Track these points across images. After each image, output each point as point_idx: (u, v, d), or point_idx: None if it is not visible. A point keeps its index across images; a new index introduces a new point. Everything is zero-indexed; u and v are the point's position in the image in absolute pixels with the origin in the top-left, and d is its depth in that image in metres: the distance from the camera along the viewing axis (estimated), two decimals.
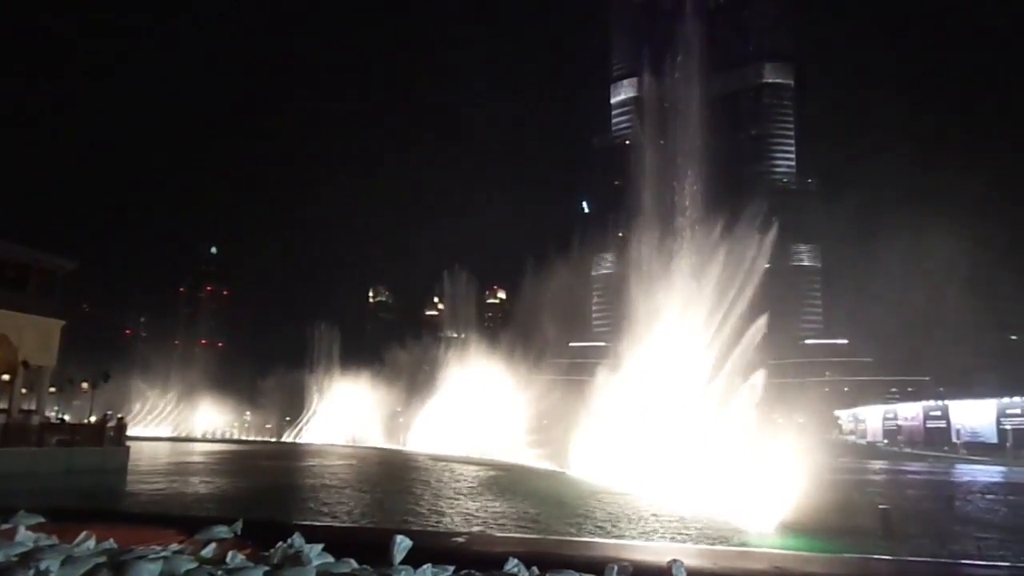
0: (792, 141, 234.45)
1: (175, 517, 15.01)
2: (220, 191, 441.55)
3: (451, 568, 9.21)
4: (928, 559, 15.68)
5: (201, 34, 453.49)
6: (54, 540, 9.94)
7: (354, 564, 9.65)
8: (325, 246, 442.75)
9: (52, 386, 51.87)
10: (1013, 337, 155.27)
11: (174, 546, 9.82)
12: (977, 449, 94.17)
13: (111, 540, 9.86)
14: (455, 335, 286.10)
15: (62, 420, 51.83)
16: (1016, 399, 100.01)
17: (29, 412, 47.04)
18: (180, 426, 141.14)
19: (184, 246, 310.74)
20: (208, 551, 9.47)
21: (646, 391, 65.33)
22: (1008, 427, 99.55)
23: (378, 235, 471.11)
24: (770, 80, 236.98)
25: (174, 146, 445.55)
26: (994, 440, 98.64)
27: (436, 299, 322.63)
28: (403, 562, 9.66)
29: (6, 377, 47.15)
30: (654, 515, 25.38)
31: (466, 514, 26.30)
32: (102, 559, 8.71)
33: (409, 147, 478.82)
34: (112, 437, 47.74)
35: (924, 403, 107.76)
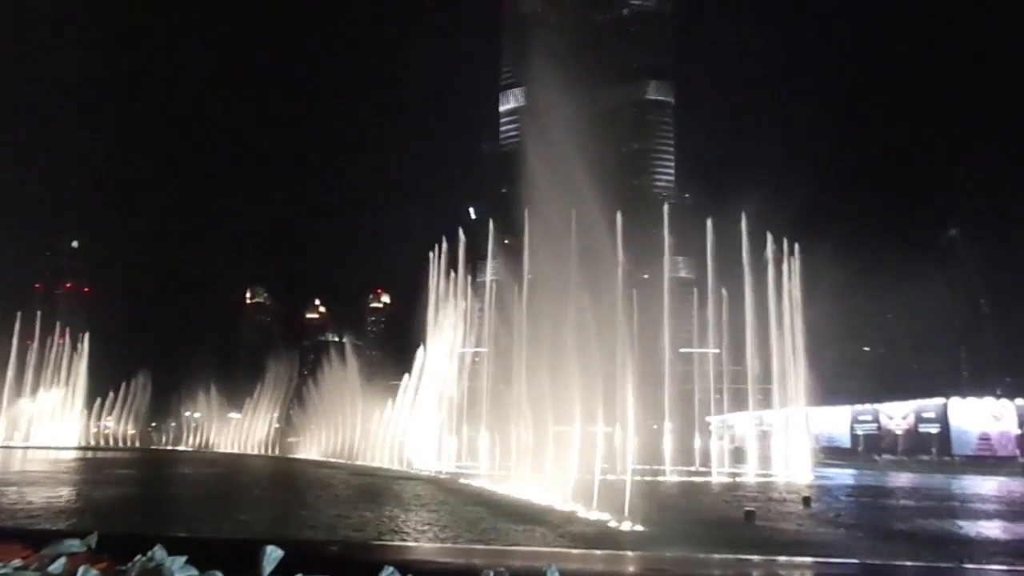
0: (672, 156, 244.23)
1: (20, 531, 13.86)
2: (82, 178, 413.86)
3: None
4: (791, 558, 16.54)
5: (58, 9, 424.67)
6: None
7: None
8: (198, 243, 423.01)
9: None
10: (866, 348, 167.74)
11: (16, 562, 8.97)
12: (833, 453, 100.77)
13: None
14: (337, 339, 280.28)
15: None
16: (867, 406, 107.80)
17: None
18: (30, 433, 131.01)
19: (42, 239, 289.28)
20: (57, 567, 8.71)
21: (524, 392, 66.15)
22: (860, 432, 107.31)
23: (259, 235, 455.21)
24: (652, 97, 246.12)
25: (29, 130, 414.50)
26: (848, 445, 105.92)
27: (318, 301, 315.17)
28: (274, 573, 9.24)
29: None
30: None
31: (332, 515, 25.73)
32: None
33: (296, 148, 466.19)
34: None
35: (787, 410, 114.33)
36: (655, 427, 67.06)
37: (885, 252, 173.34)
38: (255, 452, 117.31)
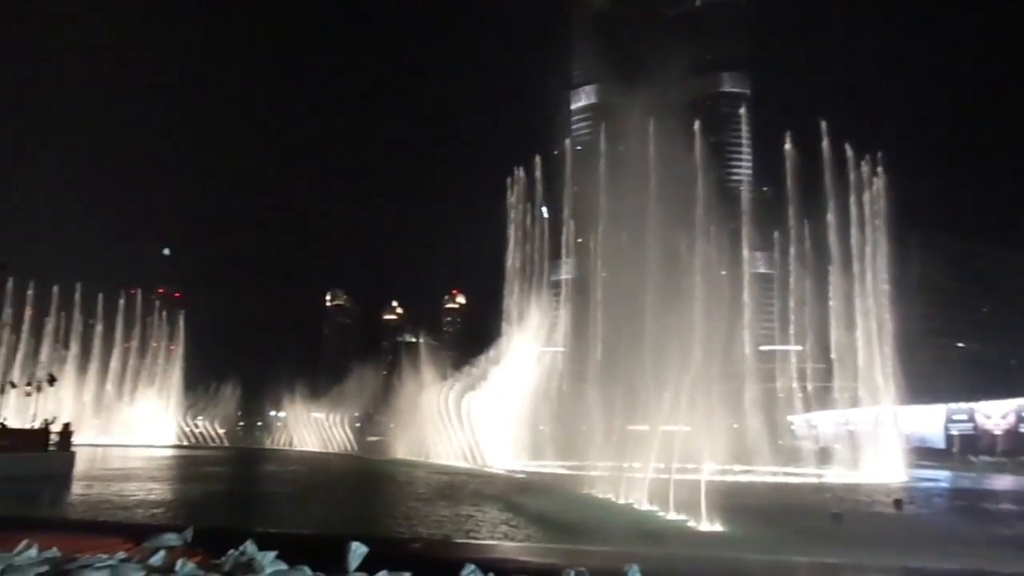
0: (748, 149, 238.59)
1: (122, 525, 14.62)
2: (173, 190, 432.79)
3: (407, 574, 9.07)
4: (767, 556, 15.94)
5: (149, 19, 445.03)
6: None
7: (308, 571, 9.45)
8: (281, 248, 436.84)
9: None
10: (961, 344, 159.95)
11: (120, 554, 9.47)
12: (925, 454, 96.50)
13: (54, 548, 9.52)
14: (413, 339, 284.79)
15: (3, 426, 50.21)
16: (962, 405, 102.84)
17: None
18: (126, 431, 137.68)
19: (136, 247, 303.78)
20: (156, 559, 9.16)
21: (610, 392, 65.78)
22: (955, 432, 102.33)
23: (339, 239, 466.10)
24: (727, 89, 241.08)
25: (121, 145, 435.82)
26: (942, 446, 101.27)
27: (395, 303, 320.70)
28: (359, 568, 9.49)
29: None
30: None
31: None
32: (44, 568, 8.40)
33: (372, 153, 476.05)
34: (58, 442, 46.46)
35: (876, 408, 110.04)
36: (735, 426, 65.63)
37: (980, 244, 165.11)
38: (336, 451, 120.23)
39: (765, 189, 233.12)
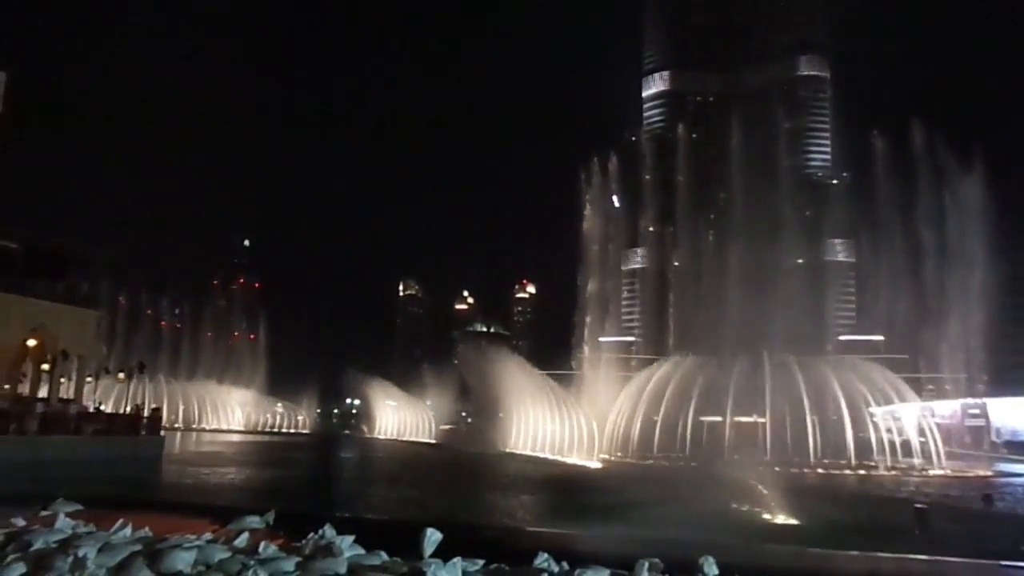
0: (827, 134, 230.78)
1: (208, 507, 15.21)
2: (255, 184, 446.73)
3: (481, 562, 9.17)
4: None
5: (237, 23, 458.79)
6: (91, 527, 10.08)
7: (384, 556, 9.65)
8: (356, 240, 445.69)
9: (89, 376, 52.91)
10: None
11: (207, 535, 9.89)
12: (1017, 448, 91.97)
13: (147, 528, 9.99)
14: (485, 328, 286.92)
15: (99, 410, 52.88)
16: None
17: (67, 401, 48.07)
18: (211, 417, 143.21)
19: (219, 239, 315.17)
20: (241, 541, 9.52)
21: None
22: None
23: (410, 230, 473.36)
24: (805, 72, 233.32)
25: (208, 138, 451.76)
26: None
27: (466, 293, 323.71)
28: (433, 555, 9.65)
29: (45, 367, 48.22)
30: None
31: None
32: (138, 547, 8.83)
33: (441, 141, 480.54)
34: (148, 426, 48.66)
35: (963, 401, 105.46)
36: (813, 419, 63.86)
37: None
38: (410, 439, 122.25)
39: (845, 175, 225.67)
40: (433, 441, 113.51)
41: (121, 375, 67.55)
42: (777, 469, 49.78)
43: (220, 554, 8.48)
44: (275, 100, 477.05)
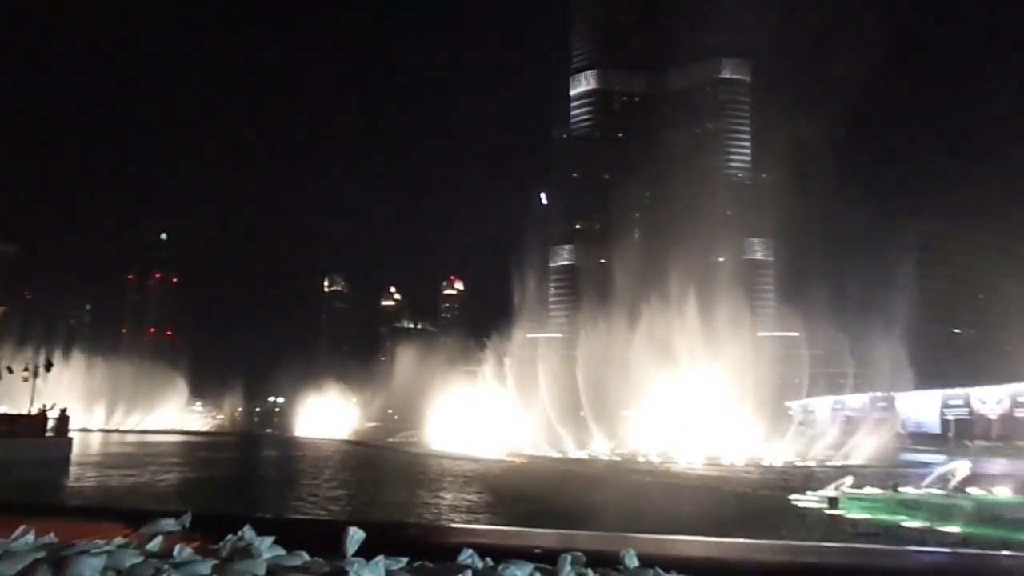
0: (748, 136, 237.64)
1: (119, 510, 14.63)
2: (172, 177, 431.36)
3: (404, 560, 9.06)
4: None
5: (143, 18, 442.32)
6: None
7: (306, 557, 9.40)
8: (280, 234, 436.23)
9: None
10: (956, 331, 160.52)
11: (118, 540, 9.46)
12: (921, 439, 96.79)
13: (51, 534, 9.49)
14: (412, 325, 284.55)
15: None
16: (958, 391, 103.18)
17: None
18: (126, 417, 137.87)
19: (133, 232, 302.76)
20: (154, 545, 9.15)
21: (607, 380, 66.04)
22: (951, 417, 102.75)
23: (336, 224, 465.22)
24: (727, 76, 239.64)
25: (121, 130, 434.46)
26: (937, 431, 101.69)
27: (393, 289, 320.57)
28: (356, 554, 9.45)
29: None
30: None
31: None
32: (41, 554, 8.38)
33: (366, 135, 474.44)
34: (55, 428, 46.53)
35: (872, 394, 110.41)
36: (730, 412, 65.93)
37: (979, 233, 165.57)
38: (334, 437, 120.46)
39: (764, 176, 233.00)
40: (358, 439, 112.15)
41: (26, 374, 64.24)
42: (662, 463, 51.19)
43: (131, 559, 8.14)
44: (192, 88, 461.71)
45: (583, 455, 64.12)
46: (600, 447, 65.82)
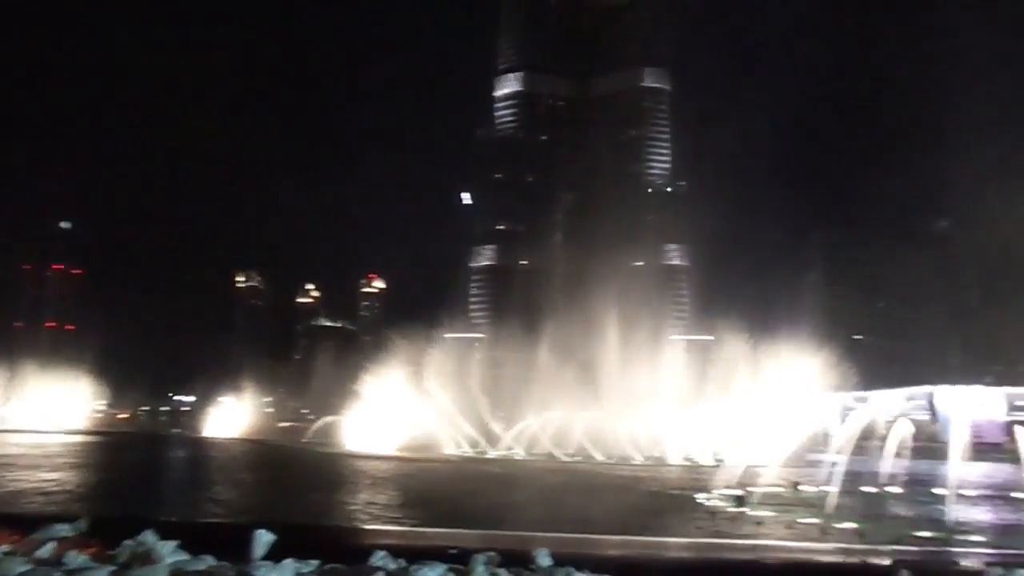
0: (667, 144, 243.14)
1: (9, 515, 13.83)
2: (75, 163, 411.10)
3: (315, 562, 8.92)
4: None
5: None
6: None
7: (212, 561, 9.16)
8: (191, 225, 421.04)
9: None
10: (858, 337, 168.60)
11: (4, 547, 8.98)
12: (825, 442, 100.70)
13: None
14: (329, 323, 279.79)
15: None
16: (858, 394, 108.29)
17: None
18: (23, 416, 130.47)
19: (32, 221, 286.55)
20: (44, 551, 8.72)
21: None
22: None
23: (250, 218, 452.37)
24: (648, 84, 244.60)
25: (17, 113, 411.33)
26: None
27: (310, 286, 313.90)
28: (266, 557, 9.26)
29: None
30: None
31: None
32: None
33: (284, 127, 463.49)
34: None
35: (781, 397, 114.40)
36: (640, 414, 67.23)
37: (877, 242, 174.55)
38: (246, 437, 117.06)
39: (682, 183, 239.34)
40: (271, 439, 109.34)
41: None
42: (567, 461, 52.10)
43: (19, 567, 7.70)
44: (97, 70, 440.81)
45: (500, 455, 64.33)
46: (517, 447, 66.15)
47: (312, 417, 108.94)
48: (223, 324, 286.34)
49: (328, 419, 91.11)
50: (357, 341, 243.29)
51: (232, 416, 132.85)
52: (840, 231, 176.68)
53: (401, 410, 77.95)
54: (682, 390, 71.62)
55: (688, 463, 60.00)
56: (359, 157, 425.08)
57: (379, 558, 8.73)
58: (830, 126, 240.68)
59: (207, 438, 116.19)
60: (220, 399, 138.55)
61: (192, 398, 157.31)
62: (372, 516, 22.28)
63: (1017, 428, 37.52)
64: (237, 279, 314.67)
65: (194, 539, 9.65)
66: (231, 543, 9.54)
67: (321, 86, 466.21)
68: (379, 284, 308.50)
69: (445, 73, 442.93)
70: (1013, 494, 30.68)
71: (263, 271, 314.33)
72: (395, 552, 9.24)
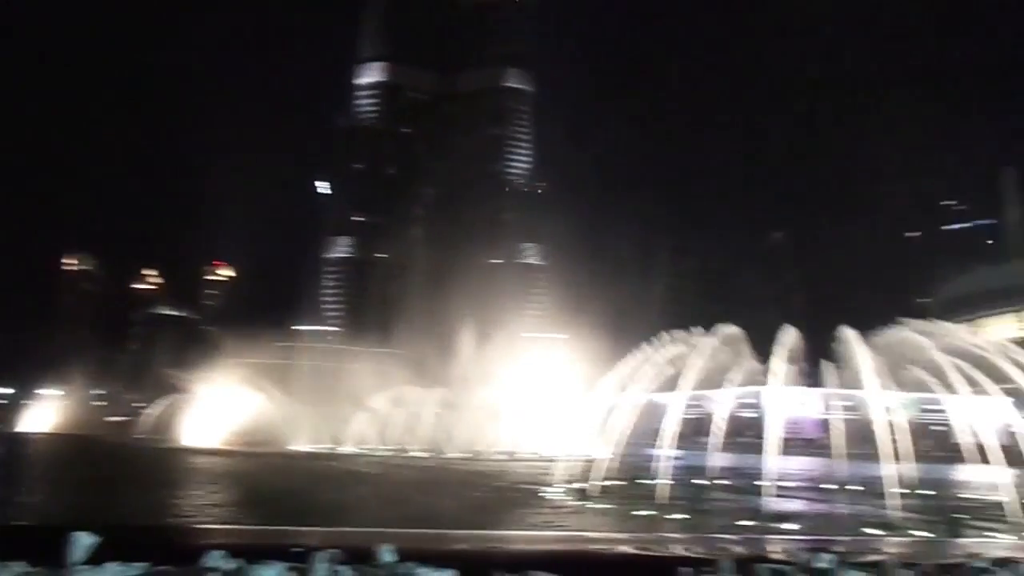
0: (528, 145, 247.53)
1: None
2: None
3: (142, 565, 8.49)
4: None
5: None
6: None
7: (27, 567, 8.53)
8: (13, 201, 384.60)
9: None
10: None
11: None
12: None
13: None
14: (171, 312, 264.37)
15: None
16: (697, 392, 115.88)
17: None
18: None
19: None
20: None
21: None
22: (689, 417, 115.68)
23: (84, 197, 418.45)
24: (511, 84, 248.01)
25: None
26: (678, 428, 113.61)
27: (150, 271, 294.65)
28: (89, 561, 8.71)
29: None
30: None
31: None
32: None
33: (124, 98, 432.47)
34: None
35: (630, 396, 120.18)
36: (492, 410, 68.35)
37: (722, 249, 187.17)
38: (69, 432, 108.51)
39: (541, 184, 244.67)
40: (101, 434, 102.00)
41: None
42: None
43: None
44: None
45: (349, 450, 63.34)
46: (367, 442, 65.37)
47: (148, 411, 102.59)
48: (50, 310, 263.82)
49: (163, 412, 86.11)
50: (200, 331, 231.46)
51: (54, 410, 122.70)
52: (689, 237, 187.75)
53: (244, 404, 75.17)
54: (534, 387, 73.25)
55: (536, 458, 61.59)
56: (208, 136, 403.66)
57: (214, 558, 8.43)
58: (688, 135, 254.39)
59: (22, 434, 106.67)
60: (45, 391, 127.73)
61: (11, 390, 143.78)
62: (208, 515, 21.33)
63: (832, 424, 41.22)
64: (66, 262, 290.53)
65: (5, 544, 8.96)
66: (47, 547, 8.91)
67: (173, 61, 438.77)
68: (226, 272, 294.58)
69: (305, 57, 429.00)
70: (824, 485, 33.74)
71: (97, 254, 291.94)
72: (233, 551, 8.96)
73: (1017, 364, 27.64)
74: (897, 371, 26.46)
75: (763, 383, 27.86)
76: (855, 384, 24.74)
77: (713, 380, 30.20)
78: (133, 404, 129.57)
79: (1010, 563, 8.51)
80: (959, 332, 26.07)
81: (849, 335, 26.00)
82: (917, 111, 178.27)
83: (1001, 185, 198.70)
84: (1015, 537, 19.25)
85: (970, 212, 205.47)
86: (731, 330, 28.77)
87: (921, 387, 27.77)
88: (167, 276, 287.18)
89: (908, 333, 25.92)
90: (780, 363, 26.11)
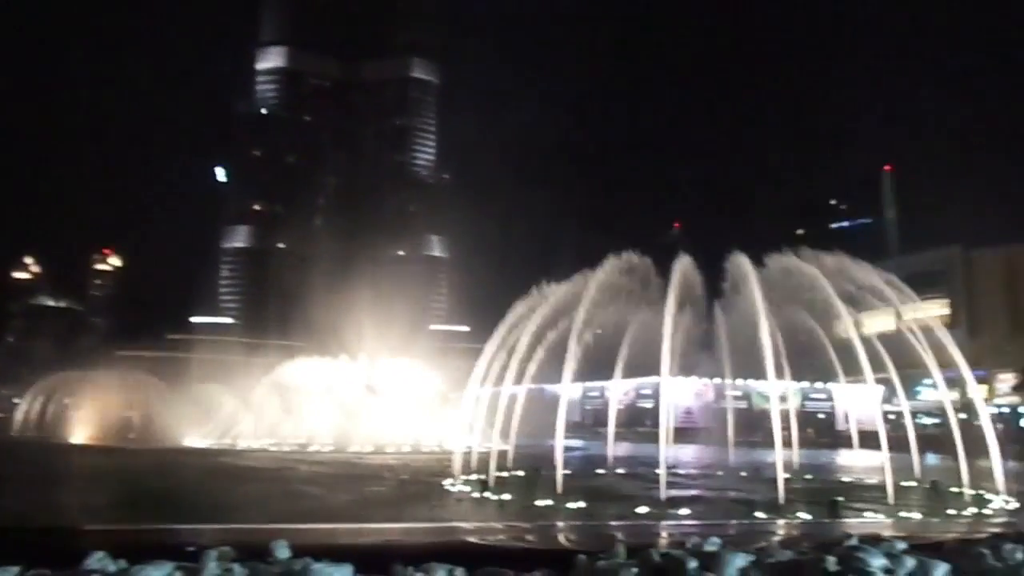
0: (433, 136, 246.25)
1: None
2: None
3: (15, 569, 8.07)
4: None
5: None
6: None
7: None
8: None
9: None
10: (599, 331, 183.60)
11: None
12: (566, 426, 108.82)
13: None
14: (53, 303, 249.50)
15: None
16: (597, 383, 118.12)
17: None
18: None
19: None
20: None
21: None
22: (589, 407, 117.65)
23: None
24: (416, 75, 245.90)
25: None
26: (578, 418, 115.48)
27: (29, 259, 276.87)
28: None
29: None
30: None
31: None
32: None
33: (20, 80, 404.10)
34: None
35: (528, 386, 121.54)
36: (401, 402, 67.86)
37: (605, 245, 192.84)
38: None
39: (445, 176, 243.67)
40: None
41: None
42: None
43: None
44: None
45: (248, 445, 61.47)
46: (267, 437, 63.61)
47: (21, 406, 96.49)
48: None
49: (42, 408, 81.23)
50: (86, 323, 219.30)
51: None
52: (586, 232, 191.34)
53: (133, 398, 71.89)
54: (437, 379, 73.04)
55: (440, 451, 61.54)
56: (97, 122, 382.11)
57: (96, 559, 8.09)
58: (586, 129, 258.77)
59: None
60: None
61: None
62: (91, 515, 20.31)
63: (724, 413, 43.02)
64: None
65: None
66: None
67: (66, 37, 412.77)
68: (115, 261, 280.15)
69: (205, 37, 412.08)
70: (716, 472, 35.17)
71: None
72: (117, 552, 8.61)
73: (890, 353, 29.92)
74: (786, 306, 27.80)
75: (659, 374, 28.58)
76: (748, 314, 25.75)
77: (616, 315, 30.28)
78: (13, 400, 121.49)
79: (882, 540, 9.14)
80: (845, 263, 27.61)
81: (742, 261, 27.19)
82: (806, 115, 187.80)
83: (881, 186, 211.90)
84: (887, 517, 20.70)
85: (853, 211, 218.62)
86: (631, 257, 28.99)
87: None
88: (48, 264, 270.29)
89: (796, 261, 27.31)
90: (672, 298, 26.66)
